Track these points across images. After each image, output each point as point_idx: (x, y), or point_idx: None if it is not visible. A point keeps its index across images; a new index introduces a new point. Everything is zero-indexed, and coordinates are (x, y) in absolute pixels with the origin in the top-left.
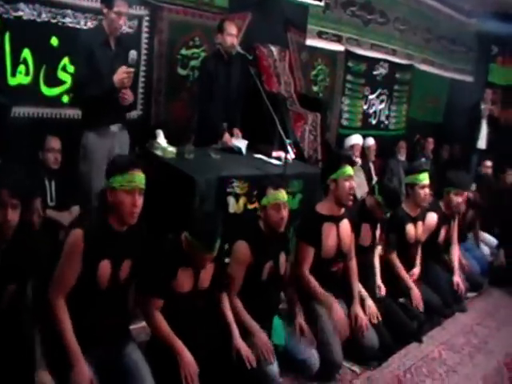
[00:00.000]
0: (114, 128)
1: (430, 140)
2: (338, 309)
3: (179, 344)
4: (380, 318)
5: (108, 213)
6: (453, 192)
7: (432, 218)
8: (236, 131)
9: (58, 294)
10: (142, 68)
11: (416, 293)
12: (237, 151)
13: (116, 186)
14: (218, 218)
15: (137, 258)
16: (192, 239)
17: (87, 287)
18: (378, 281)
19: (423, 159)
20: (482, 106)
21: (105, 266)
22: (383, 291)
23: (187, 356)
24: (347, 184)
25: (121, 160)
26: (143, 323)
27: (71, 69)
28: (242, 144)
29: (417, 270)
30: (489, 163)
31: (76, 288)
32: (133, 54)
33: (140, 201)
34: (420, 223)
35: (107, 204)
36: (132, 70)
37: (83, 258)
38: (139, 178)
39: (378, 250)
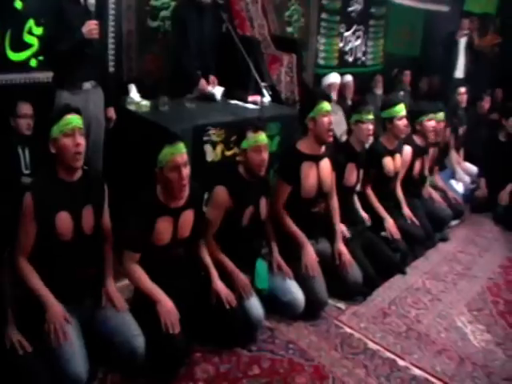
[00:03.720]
0: (87, 85)
1: (408, 73)
2: (309, 247)
3: (158, 292)
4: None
5: (56, 165)
6: (425, 119)
7: (406, 151)
8: (212, 78)
9: (19, 255)
10: (111, 23)
11: (390, 222)
12: (212, 98)
13: (56, 135)
14: None
15: (98, 205)
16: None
17: (51, 241)
18: (362, 212)
19: (401, 92)
20: (459, 35)
21: (63, 218)
22: (368, 220)
23: (167, 303)
24: (326, 120)
25: (55, 111)
26: (126, 281)
27: (37, 31)
28: (218, 91)
29: (407, 212)
30: (462, 89)
31: (41, 244)
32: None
33: (81, 140)
34: (398, 156)
35: (53, 157)
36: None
37: (38, 215)
38: (75, 119)
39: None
